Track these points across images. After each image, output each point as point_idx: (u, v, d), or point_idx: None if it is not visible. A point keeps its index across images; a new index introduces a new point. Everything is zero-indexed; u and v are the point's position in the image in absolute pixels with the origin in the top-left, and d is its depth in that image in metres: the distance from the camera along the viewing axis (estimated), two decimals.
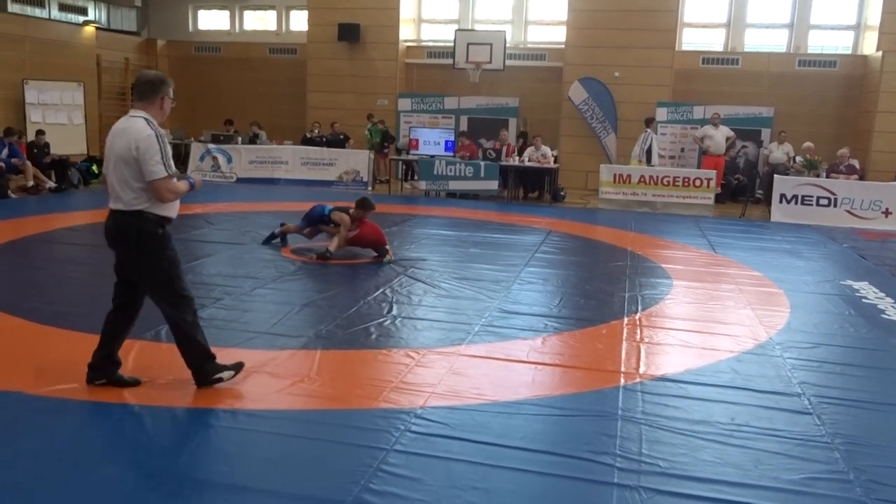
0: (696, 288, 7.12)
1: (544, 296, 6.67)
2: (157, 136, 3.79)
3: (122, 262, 4.01)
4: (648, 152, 13.65)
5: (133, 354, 4.63)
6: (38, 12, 15.41)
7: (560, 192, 13.91)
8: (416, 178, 14.33)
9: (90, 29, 16.17)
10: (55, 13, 15.88)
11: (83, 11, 16.70)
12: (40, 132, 13.03)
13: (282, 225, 8.50)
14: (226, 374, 4.11)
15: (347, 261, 7.71)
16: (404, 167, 15.02)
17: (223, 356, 4.57)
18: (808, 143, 13.50)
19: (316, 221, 8.15)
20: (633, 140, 15.23)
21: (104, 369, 4.05)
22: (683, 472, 3.36)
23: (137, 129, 3.78)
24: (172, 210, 4.00)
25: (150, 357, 4.60)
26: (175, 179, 3.89)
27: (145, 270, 3.97)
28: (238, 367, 4.20)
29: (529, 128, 15.62)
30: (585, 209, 13.07)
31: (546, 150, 14.00)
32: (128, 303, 4.10)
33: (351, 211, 7.95)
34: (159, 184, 3.79)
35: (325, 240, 8.11)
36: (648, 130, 13.81)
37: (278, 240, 8.40)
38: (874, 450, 3.67)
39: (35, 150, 12.57)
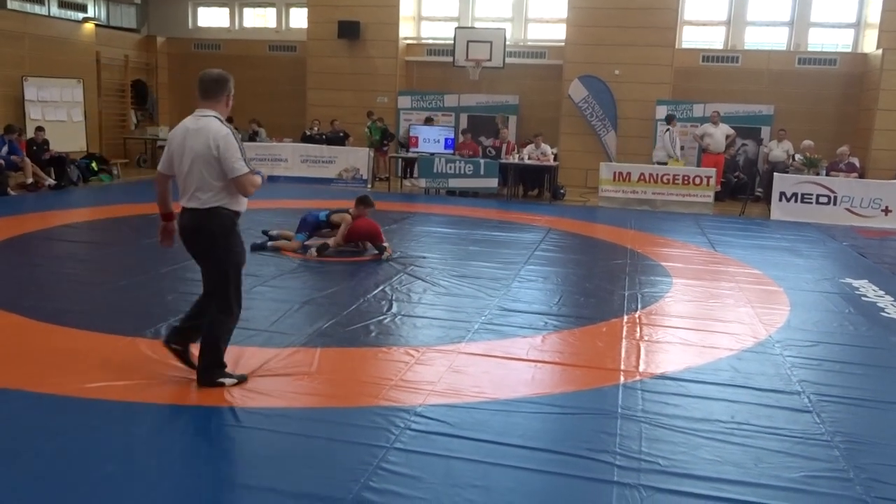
0: (695, 286, 7.13)
1: (544, 294, 6.66)
2: (233, 133, 3.93)
3: (196, 256, 4.10)
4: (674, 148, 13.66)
5: (132, 351, 4.63)
6: (37, 9, 15.39)
7: (560, 190, 13.91)
8: (415, 175, 14.33)
9: (90, 26, 16.14)
10: (55, 10, 15.86)
11: (83, 8, 16.68)
12: (39, 129, 13.02)
13: (266, 233, 8.26)
14: (228, 381, 4.10)
15: (347, 259, 7.71)
16: (404, 164, 15.01)
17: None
18: (807, 142, 13.50)
19: (313, 228, 8.10)
20: (634, 138, 15.28)
21: (187, 337, 4.18)
22: (683, 470, 3.36)
23: (214, 128, 3.90)
24: (244, 205, 4.11)
25: (150, 354, 4.59)
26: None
27: (214, 268, 4.07)
28: (242, 378, 4.18)
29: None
30: (585, 207, 13.07)
31: (546, 147, 13.99)
32: (208, 294, 4.21)
33: (350, 210, 7.97)
34: (243, 179, 3.90)
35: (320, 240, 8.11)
36: (670, 128, 13.73)
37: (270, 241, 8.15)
38: (874, 448, 3.67)
39: (34, 148, 12.56)
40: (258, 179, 4.06)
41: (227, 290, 4.07)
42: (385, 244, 7.82)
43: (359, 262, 7.60)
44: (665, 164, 13.62)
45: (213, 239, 3.97)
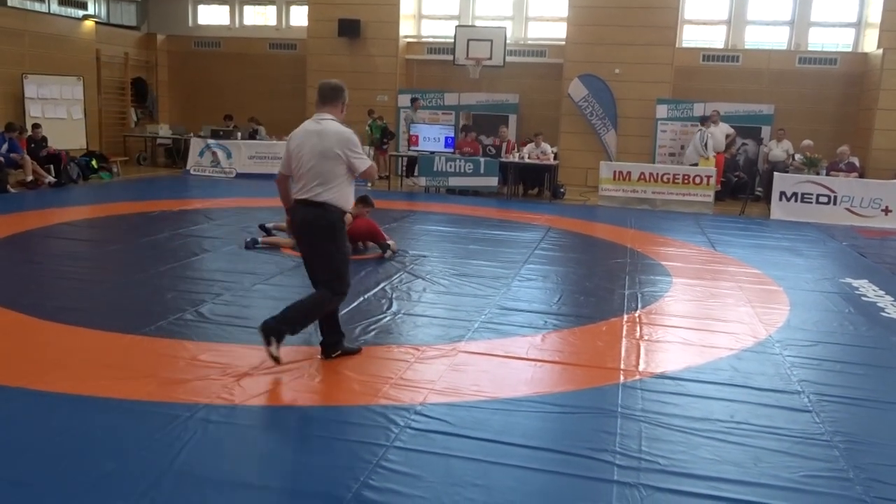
0: (695, 285, 7.13)
1: (544, 293, 6.66)
2: (353, 133, 4.44)
3: (313, 246, 4.41)
4: (705, 147, 13.60)
5: (132, 349, 4.63)
6: (37, 6, 15.39)
7: (560, 189, 13.91)
8: (415, 174, 14.33)
9: (90, 23, 16.13)
10: (55, 7, 15.85)
11: (83, 6, 16.67)
12: (36, 125, 13.00)
13: (262, 227, 8.29)
14: (273, 347, 4.26)
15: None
16: (405, 163, 14.97)
17: (222, 352, 4.60)
18: (807, 141, 13.50)
19: None
20: (634, 137, 15.28)
21: (336, 343, 4.56)
22: (683, 469, 3.36)
23: (338, 129, 4.36)
24: (350, 204, 4.56)
25: (148, 353, 4.59)
26: None
27: (326, 257, 4.39)
28: (277, 360, 4.31)
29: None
30: (585, 206, 13.07)
31: (546, 146, 14.00)
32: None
33: (351, 209, 7.95)
34: (370, 170, 4.49)
35: None
36: (703, 128, 13.67)
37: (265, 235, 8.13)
38: (874, 448, 3.67)
39: (32, 145, 12.54)
40: (375, 167, 4.62)
41: (345, 274, 4.45)
42: (389, 241, 7.84)
43: (359, 260, 7.59)
44: (695, 164, 13.52)
45: (332, 230, 4.35)
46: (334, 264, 4.39)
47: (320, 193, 4.30)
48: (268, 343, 4.24)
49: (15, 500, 2.91)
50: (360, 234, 7.90)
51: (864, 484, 3.30)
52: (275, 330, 4.27)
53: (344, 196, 4.40)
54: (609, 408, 4.03)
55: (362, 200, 7.96)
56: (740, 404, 4.16)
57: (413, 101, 15.25)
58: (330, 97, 4.44)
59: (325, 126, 4.35)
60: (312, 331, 5.14)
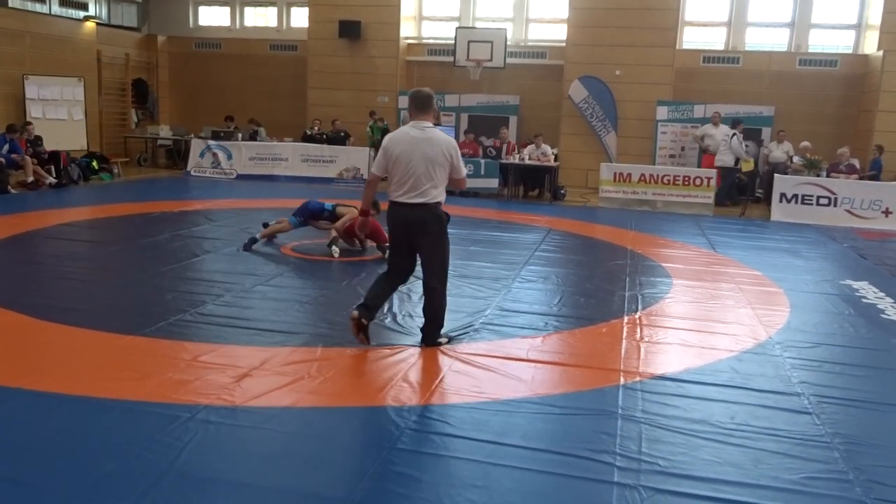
0: (695, 287, 7.13)
1: (544, 294, 6.67)
2: None
3: (417, 244, 4.82)
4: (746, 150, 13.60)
5: (130, 350, 4.63)
6: (38, 7, 15.40)
7: (560, 191, 13.92)
8: None
9: (91, 24, 16.14)
10: (56, 8, 15.86)
11: (84, 7, 16.68)
12: (28, 123, 12.96)
13: (265, 226, 8.26)
14: (442, 340, 4.96)
15: (348, 258, 7.71)
16: None
17: (223, 353, 4.61)
18: (805, 143, 13.49)
19: (312, 216, 8.12)
20: (634, 139, 15.29)
21: (373, 313, 4.92)
22: (683, 471, 3.36)
23: (444, 136, 4.79)
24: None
25: (148, 354, 4.60)
26: None
27: (438, 250, 4.85)
28: (451, 337, 5.05)
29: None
30: (585, 207, 13.07)
31: (546, 148, 14.00)
32: (403, 273, 5.01)
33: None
34: (464, 177, 4.96)
35: (320, 237, 8.11)
36: (737, 132, 13.63)
37: (266, 241, 8.07)
38: (873, 449, 3.68)
39: (28, 143, 12.52)
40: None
41: (446, 267, 4.94)
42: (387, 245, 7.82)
43: (360, 261, 7.60)
44: (731, 167, 13.46)
45: (440, 227, 4.79)
46: (445, 255, 4.90)
47: (432, 195, 4.69)
48: (440, 342, 4.94)
49: (15, 500, 2.91)
50: (368, 234, 7.92)
51: (863, 485, 3.30)
52: (435, 340, 4.94)
53: (443, 196, 4.84)
54: (609, 409, 4.04)
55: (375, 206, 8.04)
56: (740, 406, 4.16)
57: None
58: (426, 105, 4.77)
59: (432, 133, 4.71)
60: (313, 330, 5.15)
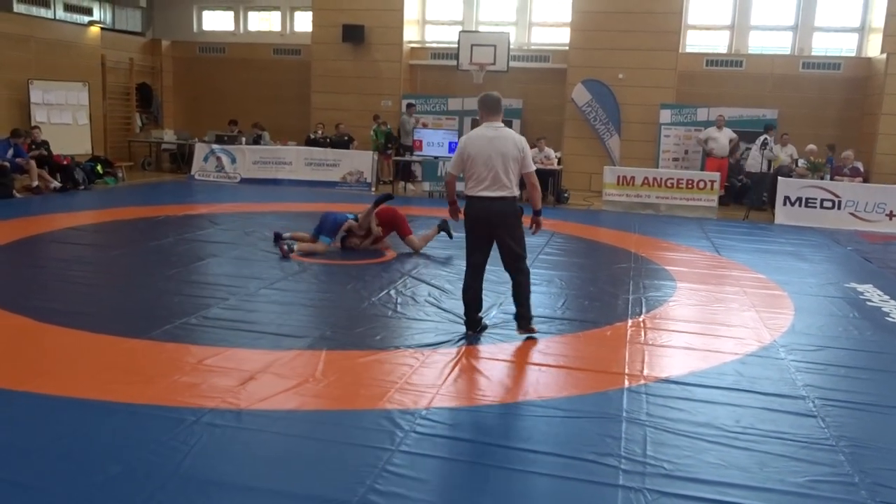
0: (699, 290, 7.12)
1: (548, 297, 6.67)
2: None
3: (497, 234, 5.16)
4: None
5: (135, 354, 4.65)
6: (43, 13, 15.45)
7: (563, 194, 13.92)
8: (418, 178, 14.35)
9: (95, 29, 16.21)
10: (60, 13, 15.92)
11: (88, 12, 16.75)
12: (34, 127, 13.01)
13: (279, 236, 8.21)
14: (534, 326, 5.31)
15: (352, 261, 7.72)
16: (401, 167, 14.90)
17: (228, 357, 4.62)
18: (811, 146, 13.47)
19: (336, 230, 8.05)
20: (637, 142, 15.29)
21: (479, 321, 5.40)
22: (688, 474, 3.36)
23: (514, 134, 5.17)
24: None
25: (154, 357, 4.61)
26: None
27: (518, 237, 5.21)
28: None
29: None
30: (589, 211, 13.07)
31: (549, 151, 14.01)
32: (482, 267, 5.35)
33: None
34: (533, 172, 5.24)
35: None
36: (768, 137, 13.57)
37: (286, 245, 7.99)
38: (879, 452, 3.67)
39: (34, 147, 12.56)
40: None
41: (526, 254, 5.31)
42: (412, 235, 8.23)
43: (364, 265, 7.61)
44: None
45: (517, 218, 5.15)
46: (523, 243, 5.26)
47: (509, 188, 5.07)
48: (532, 331, 5.27)
49: (20, 503, 2.92)
50: (386, 220, 8.25)
51: (869, 488, 3.30)
52: (528, 324, 5.28)
53: (518, 190, 5.19)
54: (614, 412, 4.04)
55: (387, 197, 8.42)
56: (745, 409, 4.16)
57: (408, 106, 15.26)
58: (497, 108, 5.18)
59: (504, 132, 5.12)
60: (318, 334, 5.16)
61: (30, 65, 14.40)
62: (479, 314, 5.41)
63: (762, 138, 13.43)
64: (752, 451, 3.62)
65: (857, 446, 3.72)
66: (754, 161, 13.54)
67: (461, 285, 6.72)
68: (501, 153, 5.03)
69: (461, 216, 5.32)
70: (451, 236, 8.32)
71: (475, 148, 5.05)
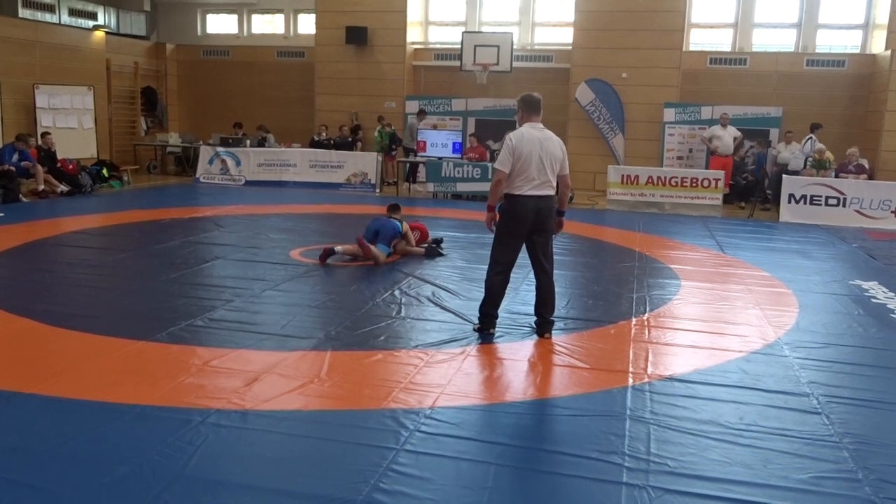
0: (704, 288, 7.12)
1: None
2: None
3: (538, 232, 5.25)
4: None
5: (142, 356, 4.68)
6: (48, 17, 15.55)
7: (568, 194, 13.88)
8: (422, 178, 14.36)
9: (100, 33, 16.28)
10: (65, 18, 16.01)
11: (93, 16, 16.83)
12: (45, 133, 13.09)
13: (329, 252, 7.70)
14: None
15: (355, 263, 7.74)
16: (409, 167, 14.94)
17: (234, 358, 4.65)
18: (819, 145, 13.43)
19: (392, 238, 7.95)
20: (641, 141, 15.29)
21: (495, 320, 5.45)
22: (692, 471, 3.37)
23: (555, 136, 5.28)
24: None
25: (160, 359, 4.63)
26: None
27: (551, 238, 5.38)
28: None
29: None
30: (593, 210, 13.07)
31: None
32: (511, 266, 5.42)
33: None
34: (568, 175, 5.38)
35: (330, 241, 8.13)
36: (813, 136, 13.56)
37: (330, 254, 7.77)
38: (883, 449, 3.67)
39: (42, 153, 12.62)
40: None
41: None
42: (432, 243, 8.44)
43: (367, 266, 7.62)
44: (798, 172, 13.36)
45: (553, 220, 5.31)
46: (553, 242, 5.44)
47: (553, 188, 5.23)
48: (551, 335, 5.32)
49: (29, 503, 2.95)
50: (418, 227, 8.57)
51: (873, 485, 3.30)
52: (551, 325, 5.37)
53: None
54: (618, 410, 4.05)
55: (394, 208, 8.45)
56: (749, 406, 4.16)
57: (420, 112, 15.30)
58: (539, 108, 5.26)
59: (550, 134, 5.25)
60: (322, 335, 5.19)
61: (35, 69, 14.47)
62: (494, 320, 5.46)
63: (808, 137, 13.40)
64: (756, 448, 3.63)
65: (861, 443, 3.73)
66: (798, 161, 13.47)
67: (466, 286, 6.80)
68: (550, 154, 5.15)
69: (494, 222, 5.38)
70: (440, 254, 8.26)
71: (528, 148, 5.10)
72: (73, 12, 16.22)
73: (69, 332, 5.12)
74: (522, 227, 5.20)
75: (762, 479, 3.32)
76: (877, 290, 7.22)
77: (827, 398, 4.32)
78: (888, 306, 6.62)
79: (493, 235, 5.38)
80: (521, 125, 5.27)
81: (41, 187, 12.07)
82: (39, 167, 12.13)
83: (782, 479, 3.33)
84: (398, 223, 8.08)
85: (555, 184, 5.24)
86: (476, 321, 5.51)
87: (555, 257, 5.55)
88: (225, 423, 3.71)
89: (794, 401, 4.27)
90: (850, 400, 4.31)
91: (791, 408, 4.17)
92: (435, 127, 15.32)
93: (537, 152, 5.10)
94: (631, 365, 4.80)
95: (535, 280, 5.43)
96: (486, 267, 7.50)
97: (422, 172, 14.54)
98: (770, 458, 3.52)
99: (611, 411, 4.03)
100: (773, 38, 16.00)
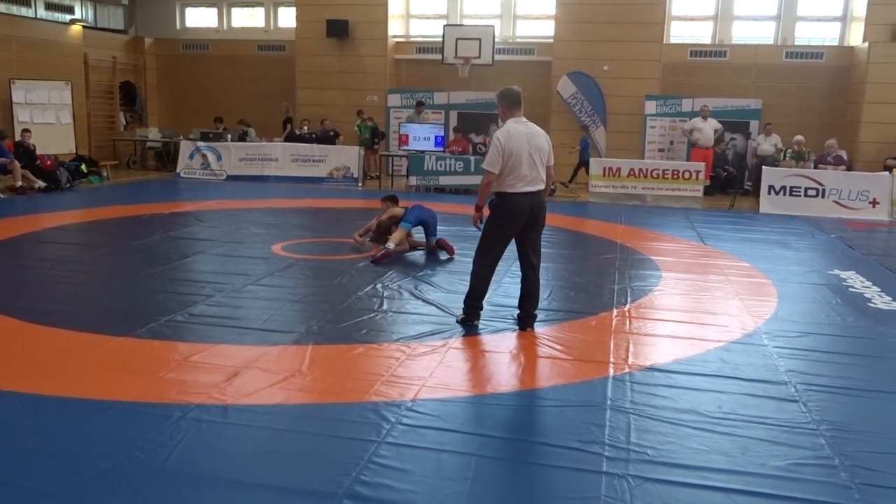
0: (684, 279, 7.18)
1: None
2: None
3: (531, 228, 5.20)
4: None
5: (122, 352, 4.65)
6: (24, 11, 15.33)
7: (550, 186, 13.91)
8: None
9: (77, 28, 16.09)
10: (42, 12, 15.80)
11: (70, 10, 16.62)
12: (26, 131, 12.94)
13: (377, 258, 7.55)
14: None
15: (338, 256, 7.73)
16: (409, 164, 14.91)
17: (214, 353, 4.63)
18: (798, 137, 13.55)
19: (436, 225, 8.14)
20: (623, 133, 15.35)
21: (480, 312, 5.45)
22: (671, 459, 3.40)
23: (540, 129, 5.23)
24: None
25: (140, 354, 4.61)
26: None
27: (542, 231, 5.33)
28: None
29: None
30: (575, 203, 13.12)
31: None
32: (498, 261, 5.39)
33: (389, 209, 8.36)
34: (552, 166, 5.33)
35: (314, 236, 8.11)
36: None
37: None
38: (859, 435, 3.72)
39: (21, 150, 12.47)
40: None
41: None
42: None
43: (350, 259, 7.61)
44: None
45: (545, 210, 5.28)
46: (541, 239, 5.39)
47: (543, 182, 5.19)
48: (533, 329, 5.32)
49: (9, 501, 2.93)
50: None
51: (849, 471, 3.35)
52: (533, 318, 5.37)
53: None
54: (598, 401, 4.07)
55: (391, 199, 8.53)
56: (728, 395, 4.21)
57: (418, 104, 15.29)
58: (519, 101, 5.20)
59: (535, 127, 5.20)
60: (304, 329, 5.17)
61: (11, 64, 14.29)
62: (480, 312, 5.47)
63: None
64: (735, 436, 3.67)
65: (837, 430, 3.78)
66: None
67: (448, 278, 6.81)
68: (539, 148, 5.11)
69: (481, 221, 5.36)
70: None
71: (517, 145, 5.02)
72: (50, 6, 16.01)
73: (49, 329, 5.07)
74: (517, 224, 5.16)
75: (740, 466, 3.36)
76: (854, 280, 7.31)
77: (804, 386, 4.37)
78: (865, 295, 6.70)
79: (479, 230, 5.38)
80: (503, 121, 5.22)
81: (18, 183, 11.94)
82: (16, 163, 11.99)
83: (760, 466, 3.37)
84: (433, 213, 8.21)
85: (545, 177, 5.20)
86: (458, 313, 5.52)
87: (544, 250, 5.57)
88: (206, 417, 3.70)
89: (773, 389, 4.32)
90: (827, 388, 4.36)
91: (769, 396, 4.22)
92: (423, 116, 15.30)
93: (526, 149, 5.04)
94: (612, 355, 4.84)
95: (521, 274, 5.41)
96: (468, 260, 7.50)
97: (403, 166, 14.53)
98: (748, 446, 3.56)
99: (592, 401, 4.06)
100: (752, 31, 16.12)
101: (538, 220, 5.21)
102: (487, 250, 5.31)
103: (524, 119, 5.19)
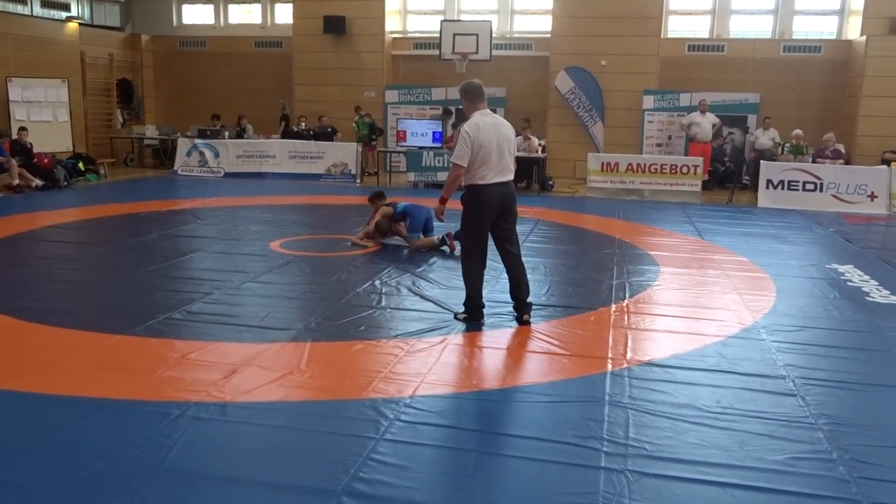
0: (682, 274, 7.18)
1: (533, 284, 6.60)
2: None
3: (504, 218, 5.26)
4: None
5: (120, 350, 4.64)
6: (20, 9, 15.28)
7: (548, 182, 13.94)
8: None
9: (73, 25, 16.04)
10: (38, 10, 15.75)
11: (66, 7, 16.57)
12: (22, 129, 12.91)
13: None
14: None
15: (336, 253, 7.72)
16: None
17: (212, 350, 4.63)
18: (797, 131, 13.55)
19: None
20: (621, 128, 15.35)
21: (483, 310, 5.43)
22: (669, 454, 3.41)
23: (504, 120, 5.35)
24: None
25: (138, 353, 4.61)
26: None
27: (515, 222, 5.38)
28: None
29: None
30: (573, 198, 13.11)
31: (534, 139, 14.02)
32: (486, 255, 5.39)
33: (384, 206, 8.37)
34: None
35: (311, 233, 8.10)
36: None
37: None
38: (857, 429, 3.72)
39: (18, 148, 12.44)
40: None
41: None
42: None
43: (348, 256, 7.61)
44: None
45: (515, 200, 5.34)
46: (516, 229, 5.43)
47: (513, 171, 5.26)
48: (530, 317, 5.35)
49: (7, 500, 2.93)
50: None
51: (846, 464, 3.35)
52: (529, 306, 5.37)
53: None
54: (597, 396, 4.07)
55: (379, 196, 8.54)
56: (726, 390, 4.21)
57: (445, 111, 15.02)
58: (482, 94, 5.24)
59: (499, 118, 5.30)
60: (302, 326, 5.17)
61: (7, 62, 14.25)
62: (482, 310, 5.44)
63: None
64: (732, 430, 3.67)
65: (835, 424, 3.78)
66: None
67: (446, 274, 6.80)
68: (507, 138, 5.18)
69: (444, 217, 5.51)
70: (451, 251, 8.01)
71: (486, 137, 5.06)
72: (46, 3, 15.96)
73: (46, 327, 5.07)
74: (489, 215, 5.18)
75: (738, 460, 3.36)
76: (852, 274, 7.31)
77: (802, 380, 4.37)
78: (863, 289, 6.70)
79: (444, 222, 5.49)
80: (469, 114, 5.23)
81: (16, 182, 11.91)
82: (13, 161, 11.97)
83: (758, 460, 3.37)
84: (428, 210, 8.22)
85: (513, 167, 5.26)
86: (457, 309, 5.51)
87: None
88: (204, 415, 3.70)
89: (771, 383, 4.33)
90: (825, 382, 4.36)
91: (767, 390, 4.22)
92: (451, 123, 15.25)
93: (495, 139, 5.09)
94: (610, 351, 4.84)
95: (504, 266, 5.44)
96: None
97: (400, 162, 14.51)
98: (746, 440, 3.57)
99: (590, 397, 4.06)
100: (750, 25, 16.09)
101: (511, 209, 5.26)
102: (472, 245, 5.34)
103: (489, 111, 5.25)
